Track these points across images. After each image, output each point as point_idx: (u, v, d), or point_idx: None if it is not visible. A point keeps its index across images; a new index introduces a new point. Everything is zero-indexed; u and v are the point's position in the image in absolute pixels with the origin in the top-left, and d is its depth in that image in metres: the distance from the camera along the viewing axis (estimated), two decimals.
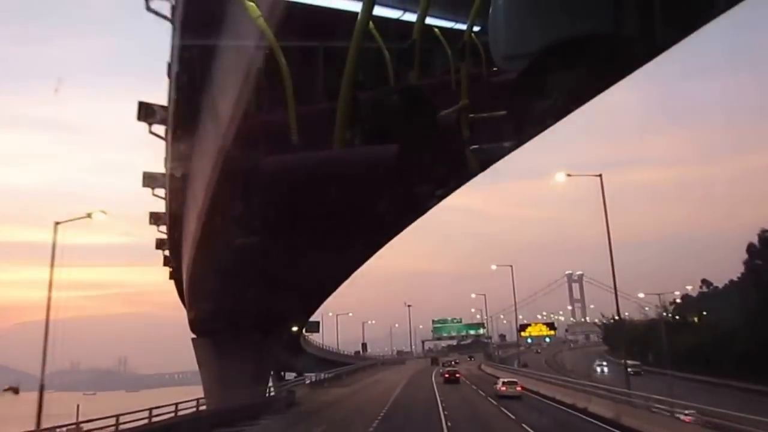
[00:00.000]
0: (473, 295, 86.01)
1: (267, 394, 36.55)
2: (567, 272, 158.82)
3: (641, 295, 75.28)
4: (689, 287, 78.20)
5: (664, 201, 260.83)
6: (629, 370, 56.13)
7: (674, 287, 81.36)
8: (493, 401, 33.67)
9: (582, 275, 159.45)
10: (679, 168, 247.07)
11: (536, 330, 78.13)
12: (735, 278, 60.93)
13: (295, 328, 37.80)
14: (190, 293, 28.03)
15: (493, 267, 65.38)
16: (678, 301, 78.44)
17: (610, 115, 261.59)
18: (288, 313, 34.85)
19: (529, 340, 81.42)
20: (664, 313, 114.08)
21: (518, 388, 36.31)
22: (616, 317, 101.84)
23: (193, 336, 35.12)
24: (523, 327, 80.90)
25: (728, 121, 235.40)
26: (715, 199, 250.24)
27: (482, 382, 49.64)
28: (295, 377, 55.83)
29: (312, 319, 62.38)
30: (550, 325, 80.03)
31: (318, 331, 64.39)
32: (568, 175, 31.24)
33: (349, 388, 48.91)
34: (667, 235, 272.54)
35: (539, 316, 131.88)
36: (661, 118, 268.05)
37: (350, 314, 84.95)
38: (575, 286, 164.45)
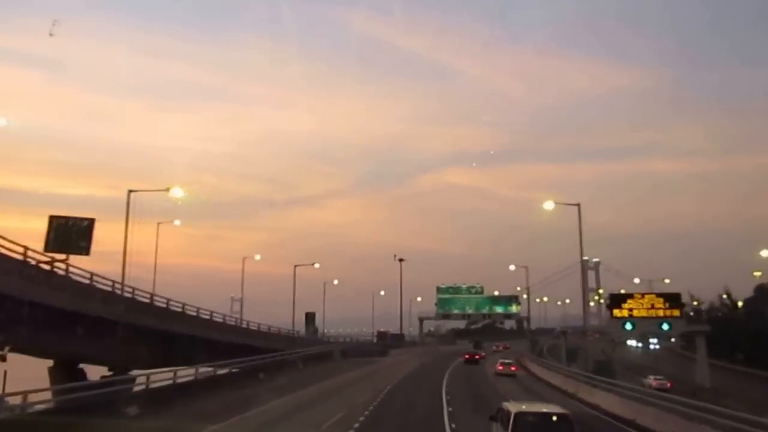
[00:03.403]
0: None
1: None
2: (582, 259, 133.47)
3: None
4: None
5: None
6: None
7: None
8: None
9: (599, 262, 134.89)
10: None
11: (643, 307, 42.26)
12: None
13: None
14: None
15: (551, 205, 41.11)
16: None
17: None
18: None
19: (629, 326, 44.76)
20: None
21: (512, 369, 43.78)
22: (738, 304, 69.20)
23: None
24: (617, 300, 45.28)
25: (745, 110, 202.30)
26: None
27: None
28: (111, 377, 24.67)
29: None
30: (674, 300, 43.61)
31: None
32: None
33: None
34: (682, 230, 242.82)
35: (559, 303, 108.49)
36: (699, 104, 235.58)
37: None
38: (590, 274, 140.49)
